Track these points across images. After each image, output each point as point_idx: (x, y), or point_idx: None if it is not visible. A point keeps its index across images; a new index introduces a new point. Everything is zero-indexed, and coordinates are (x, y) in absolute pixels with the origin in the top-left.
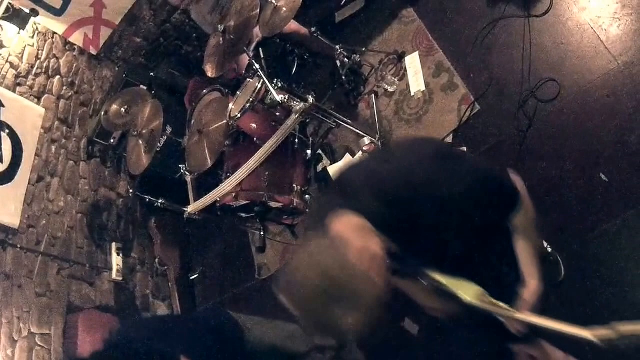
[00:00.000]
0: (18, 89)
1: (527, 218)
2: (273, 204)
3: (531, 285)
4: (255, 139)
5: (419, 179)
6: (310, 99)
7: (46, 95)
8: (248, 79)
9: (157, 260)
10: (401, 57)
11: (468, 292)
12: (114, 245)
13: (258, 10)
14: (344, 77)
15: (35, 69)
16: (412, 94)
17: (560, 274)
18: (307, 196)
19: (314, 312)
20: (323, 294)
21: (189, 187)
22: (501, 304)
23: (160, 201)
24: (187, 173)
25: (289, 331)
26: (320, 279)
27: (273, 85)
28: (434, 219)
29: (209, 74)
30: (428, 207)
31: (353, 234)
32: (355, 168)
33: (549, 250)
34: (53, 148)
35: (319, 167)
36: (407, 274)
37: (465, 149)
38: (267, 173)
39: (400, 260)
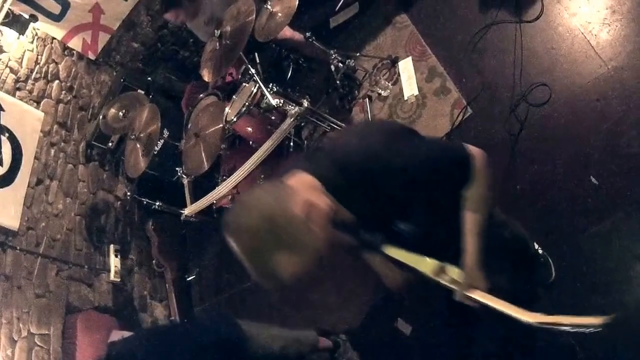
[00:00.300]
0: (18, 93)
1: (478, 192)
2: None
3: (466, 259)
4: (251, 142)
5: (376, 152)
6: (305, 103)
7: (45, 100)
8: (244, 84)
9: (154, 261)
10: (395, 61)
11: (425, 266)
12: (112, 247)
13: (254, 16)
14: (338, 82)
15: (34, 73)
16: (406, 98)
17: (551, 276)
18: None
19: (255, 254)
20: (264, 236)
21: (186, 189)
22: (457, 278)
23: (157, 204)
24: (184, 176)
25: (293, 338)
26: (262, 220)
27: (268, 89)
28: (389, 191)
29: (206, 79)
30: (383, 180)
31: (303, 188)
32: (327, 140)
33: (540, 251)
34: (52, 151)
35: None
36: (364, 246)
37: None
38: (262, 176)
39: (354, 232)
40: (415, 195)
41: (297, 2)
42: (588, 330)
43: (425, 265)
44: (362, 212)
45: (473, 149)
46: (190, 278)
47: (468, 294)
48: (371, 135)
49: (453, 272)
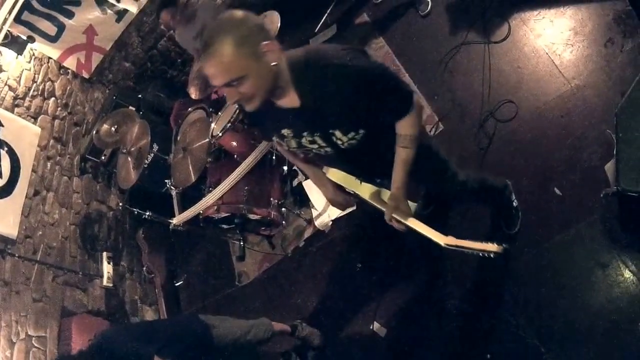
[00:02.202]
0: (16, 109)
1: (411, 130)
2: (252, 216)
3: (393, 190)
4: (235, 156)
5: (338, 53)
6: None
7: (42, 116)
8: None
9: (144, 268)
10: None
11: (363, 189)
12: (104, 254)
13: None
14: None
15: (31, 91)
16: None
17: (515, 227)
18: (283, 209)
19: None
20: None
21: (174, 200)
22: (388, 202)
23: (147, 213)
24: (172, 187)
25: (249, 324)
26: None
27: None
28: (336, 96)
29: (193, 96)
30: (336, 81)
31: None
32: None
33: (515, 204)
34: (48, 164)
35: (295, 182)
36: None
37: None
38: (246, 187)
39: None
40: (358, 106)
41: (278, 25)
42: (490, 255)
43: (363, 188)
44: (307, 107)
45: (418, 96)
46: (178, 283)
47: (393, 215)
48: (340, 46)
49: (385, 195)
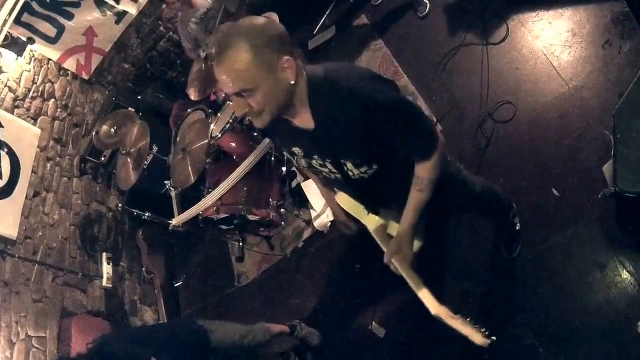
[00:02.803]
0: (16, 110)
1: (430, 174)
2: (251, 217)
3: (400, 232)
4: (234, 157)
5: (363, 76)
6: None
7: (42, 117)
8: (228, 102)
9: (144, 268)
10: None
11: (369, 220)
12: (104, 255)
13: None
14: None
15: (31, 92)
16: None
17: (515, 251)
18: (282, 210)
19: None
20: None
21: (174, 201)
22: (391, 244)
23: (147, 214)
24: (171, 188)
25: (247, 329)
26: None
27: None
28: (354, 123)
29: (192, 98)
30: (355, 107)
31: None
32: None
33: (517, 227)
34: (48, 165)
35: (293, 183)
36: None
37: None
38: (245, 188)
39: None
40: (375, 140)
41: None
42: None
43: (369, 220)
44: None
45: (441, 136)
46: (177, 284)
47: (392, 260)
48: (368, 72)
49: (391, 228)
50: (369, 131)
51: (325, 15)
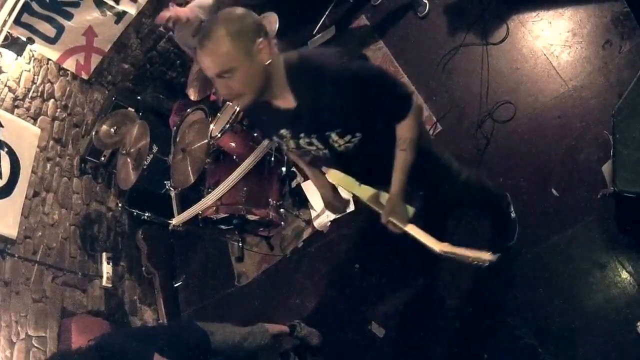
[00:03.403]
0: (16, 110)
1: (411, 133)
2: (250, 217)
3: (391, 193)
4: (234, 157)
5: (335, 55)
6: None
7: (42, 117)
8: (227, 102)
9: (144, 268)
10: None
11: (361, 191)
12: (104, 254)
13: None
14: None
15: (31, 92)
16: None
17: (513, 239)
18: (282, 210)
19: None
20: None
21: (174, 201)
22: (386, 206)
23: (146, 214)
24: (171, 188)
25: (247, 331)
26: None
27: None
28: (334, 98)
29: (192, 98)
30: (333, 82)
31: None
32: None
33: (513, 215)
34: (48, 165)
35: (293, 184)
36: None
37: None
38: (245, 188)
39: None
40: (353, 108)
41: (277, 26)
42: (484, 264)
43: (362, 190)
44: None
45: (419, 98)
46: (177, 284)
47: (390, 219)
48: (336, 49)
49: (384, 197)
50: (346, 99)
51: (325, 16)
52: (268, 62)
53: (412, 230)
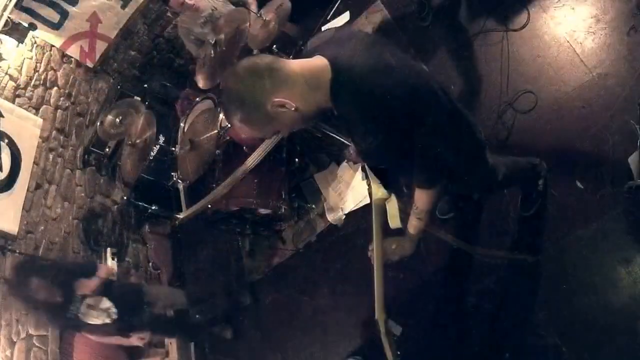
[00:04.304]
0: (17, 100)
1: (427, 206)
2: (262, 211)
3: (416, 205)
4: (244, 148)
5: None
6: None
7: (44, 106)
8: None
9: (150, 264)
10: None
11: (379, 192)
12: (109, 250)
13: (248, 24)
14: None
15: (33, 80)
16: None
17: (531, 210)
18: (294, 203)
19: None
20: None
21: (181, 194)
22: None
23: (153, 208)
24: (179, 181)
25: (181, 292)
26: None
27: None
28: (376, 108)
29: (201, 86)
30: (383, 95)
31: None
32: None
33: (540, 187)
34: (50, 157)
35: (306, 175)
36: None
37: None
38: (255, 181)
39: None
40: (394, 125)
41: (289, 11)
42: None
43: (378, 191)
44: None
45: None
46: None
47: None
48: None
49: (392, 206)
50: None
51: (338, 1)
52: (294, 108)
53: (377, 280)
